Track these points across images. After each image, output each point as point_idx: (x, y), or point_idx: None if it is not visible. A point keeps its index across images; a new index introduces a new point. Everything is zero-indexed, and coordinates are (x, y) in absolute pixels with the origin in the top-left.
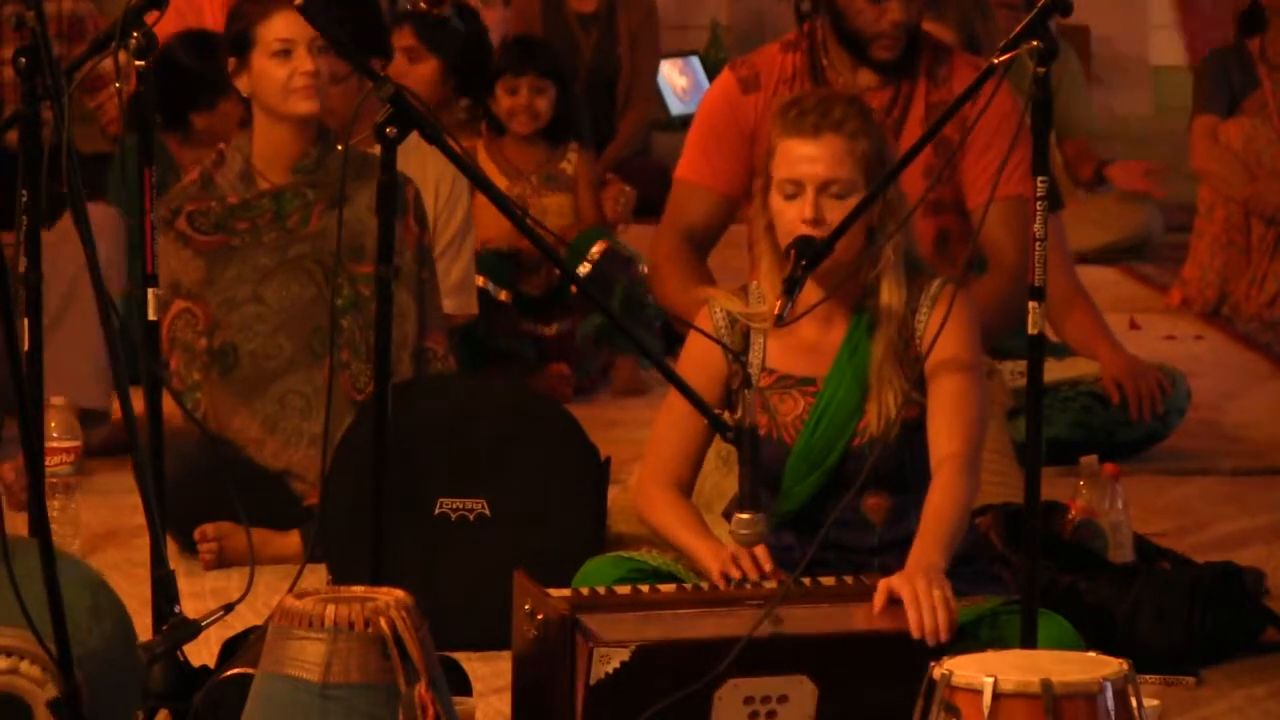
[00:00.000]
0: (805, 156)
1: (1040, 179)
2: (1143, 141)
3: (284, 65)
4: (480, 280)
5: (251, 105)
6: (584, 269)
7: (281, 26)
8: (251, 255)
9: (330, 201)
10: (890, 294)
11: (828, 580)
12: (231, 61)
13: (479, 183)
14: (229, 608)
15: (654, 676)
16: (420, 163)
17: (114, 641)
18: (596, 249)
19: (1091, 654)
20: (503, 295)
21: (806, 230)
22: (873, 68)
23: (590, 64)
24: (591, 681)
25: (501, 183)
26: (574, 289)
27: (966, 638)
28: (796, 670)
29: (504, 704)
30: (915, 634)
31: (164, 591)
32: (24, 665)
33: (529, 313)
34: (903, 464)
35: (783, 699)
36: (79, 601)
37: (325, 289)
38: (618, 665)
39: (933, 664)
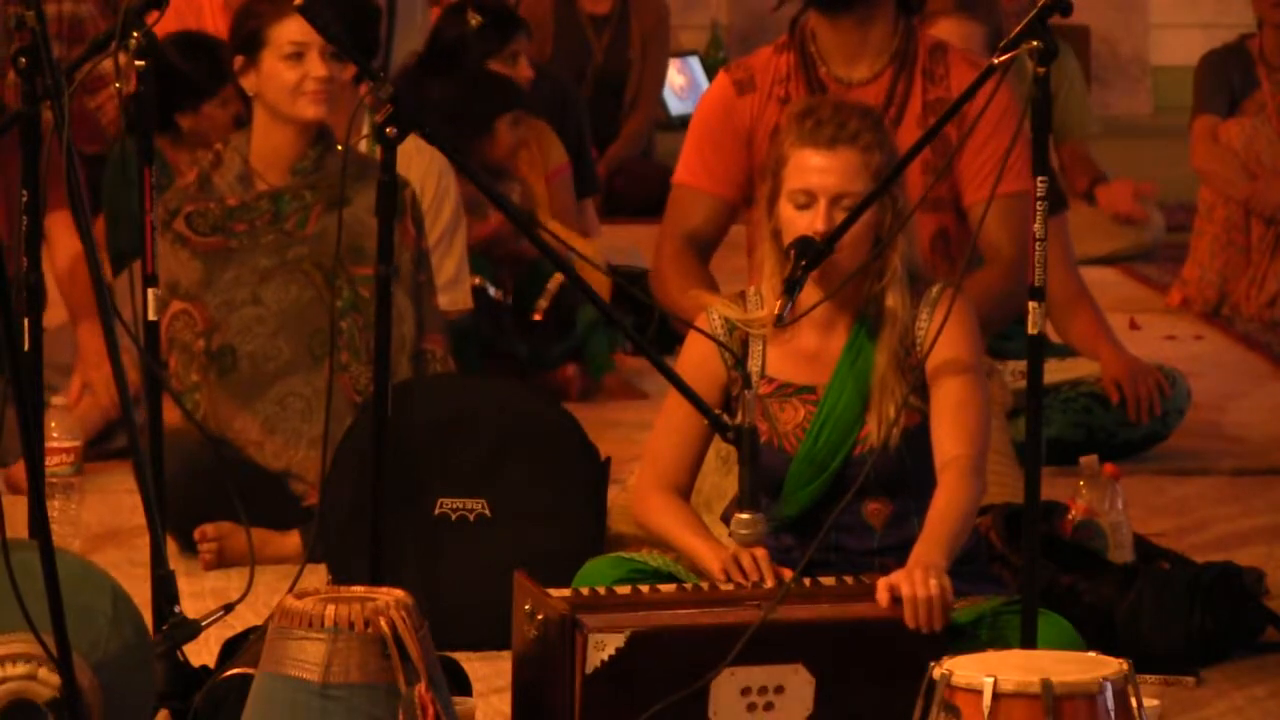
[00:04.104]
0: (819, 168)
1: (1040, 179)
2: (1142, 141)
3: (295, 68)
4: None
5: (253, 105)
6: (543, 304)
7: (295, 29)
8: (250, 257)
9: (329, 203)
10: (895, 301)
11: (828, 580)
12: (239, 60)
13: (479, 182)
14: (229, 608)
15: (649, 663)
16: (405, 161)
17: (133, 650)
18: (554, 283)
19: (1091, 654)
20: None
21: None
22: (823, 9)
23: (601, 65)
24: (587, 669)
25: None
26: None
27: (966, 638)
28: (793, 659)
29: (504, 704)
30: (909, 622)
31: (164, 591)
32: (42, 672)
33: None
34: (904, 469)
35: (779, 689)
36: (100, 610)
37: (324, 291)
38: (613, 652)
39: (933, 664)
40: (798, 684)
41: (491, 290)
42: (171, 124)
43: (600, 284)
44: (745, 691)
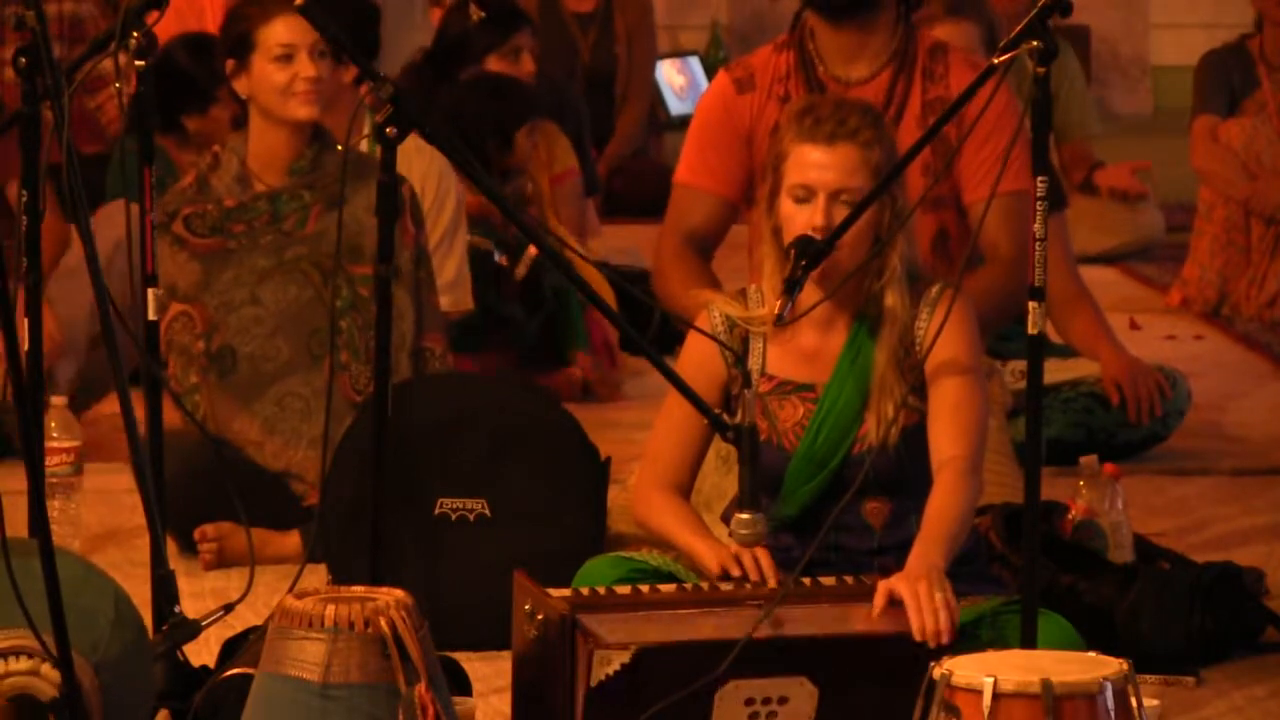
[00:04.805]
0: (818, 164)
1: (1040, 179)
2: (1142, 141)
3: (285, 70)
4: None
5: (248, 107)
6: (521, 271)
7: (283, 31)
8: (248, 258)
9: (327, 203)
10: (895, 301)
11: (828, 580)
12: (230, 63)
13: (478, 181)
14: (229, 608)
15: (654, 678)
16: (405, 162)
17: (134, 651)
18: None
19: (1091, 654)
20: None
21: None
22: (823, 13)
23: (588, 63)
24: (592, 683)
25: None
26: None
27: (966, 638)
28: (797, 672)
29: (504, 704)
30: (917, 637)
31: (164, 591)
32: (44, 668)
33: None
34: (903, 468)
35: (783, 700)
36: (101, 611)
37: (323, 291)
38: (618, 667)
39: (933, 664)
40: (801, 696)
41: (497, 255)
42: (177, 125)
43: (598, 282)
44: (749, 702)
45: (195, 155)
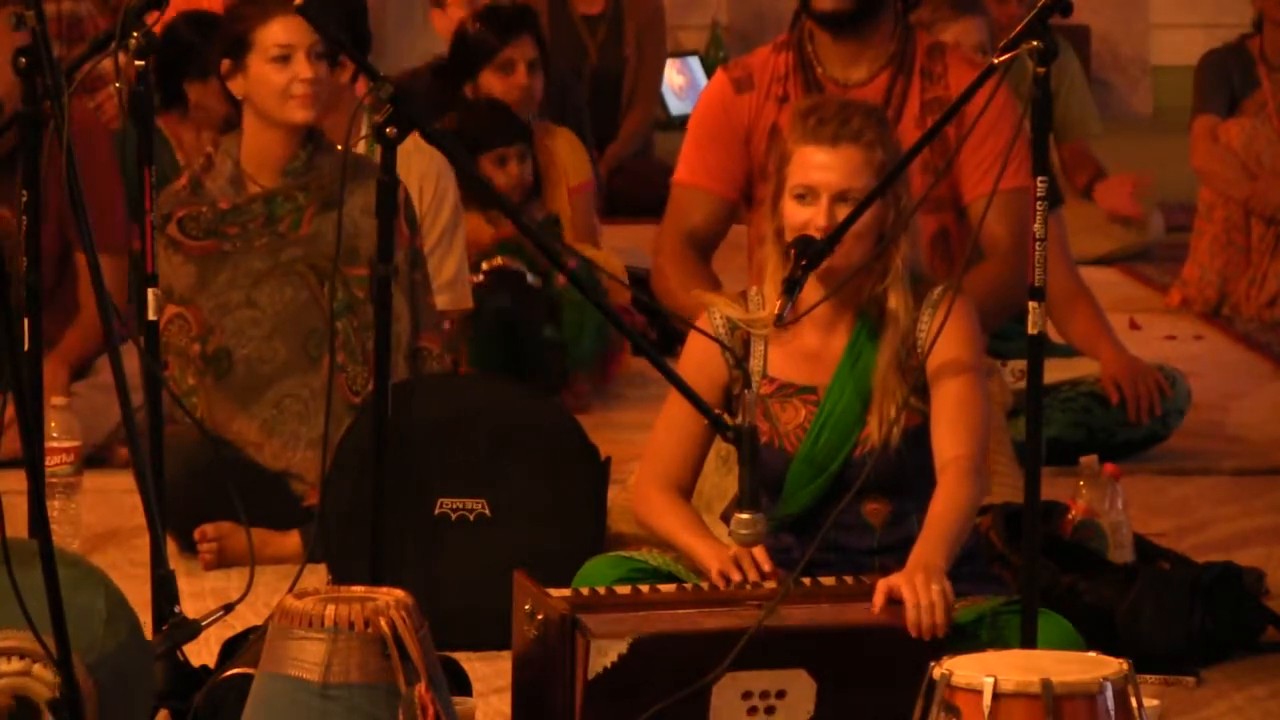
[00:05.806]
0: (821, 164)
1: (1040, 179)
2: (1142, 141)
3: (283, 71)
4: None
5: (240, 108)
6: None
7: (281, 32)
8: (243, 260)
9: (321, 204)
10: (898, 303)
11: (828, 580)
12: (225, 63)
13: (476, 181)
14: (229, 608)
15: (652, 669)
16: (404, 162)
17: (128, 648)
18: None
19: (1091, 654)
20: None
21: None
22: (823, 25)
23: (596, 64)
24: (590, 675)
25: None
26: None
27: (967, 638)
28: (794, 664)
29: (504, 704)
30: (912, 630)
31: (164, 591)
32: (36, 668)
33: None
34: (904, 469)
35: (781, 693)
36: (94, 610)
37: (318, 292)
38: (615, 658)
39: (933, 664)
40: (799, 688)
41: (530, 278)
42: (179, 97)
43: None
44: (746, 695)
45: (195, 131)
